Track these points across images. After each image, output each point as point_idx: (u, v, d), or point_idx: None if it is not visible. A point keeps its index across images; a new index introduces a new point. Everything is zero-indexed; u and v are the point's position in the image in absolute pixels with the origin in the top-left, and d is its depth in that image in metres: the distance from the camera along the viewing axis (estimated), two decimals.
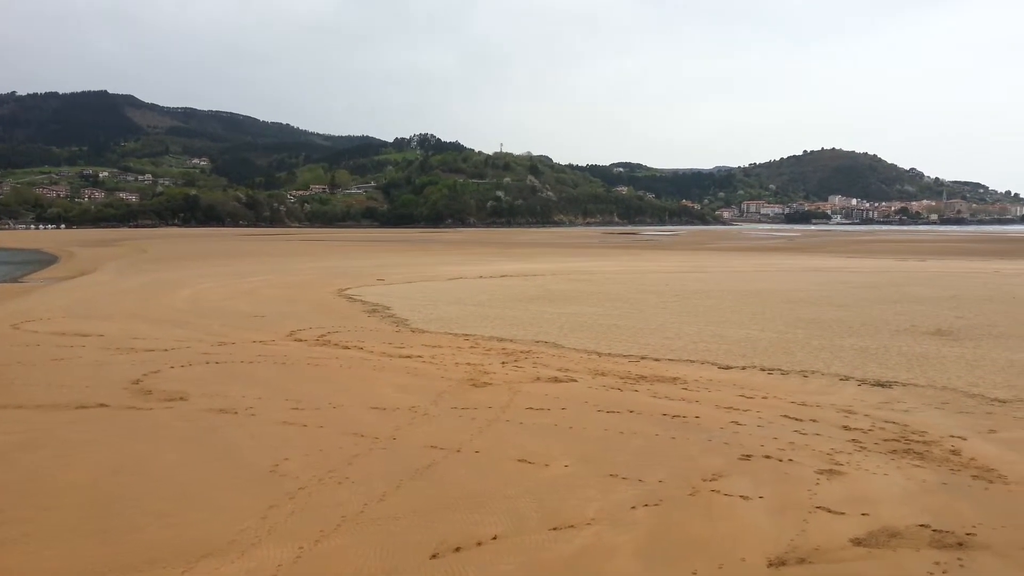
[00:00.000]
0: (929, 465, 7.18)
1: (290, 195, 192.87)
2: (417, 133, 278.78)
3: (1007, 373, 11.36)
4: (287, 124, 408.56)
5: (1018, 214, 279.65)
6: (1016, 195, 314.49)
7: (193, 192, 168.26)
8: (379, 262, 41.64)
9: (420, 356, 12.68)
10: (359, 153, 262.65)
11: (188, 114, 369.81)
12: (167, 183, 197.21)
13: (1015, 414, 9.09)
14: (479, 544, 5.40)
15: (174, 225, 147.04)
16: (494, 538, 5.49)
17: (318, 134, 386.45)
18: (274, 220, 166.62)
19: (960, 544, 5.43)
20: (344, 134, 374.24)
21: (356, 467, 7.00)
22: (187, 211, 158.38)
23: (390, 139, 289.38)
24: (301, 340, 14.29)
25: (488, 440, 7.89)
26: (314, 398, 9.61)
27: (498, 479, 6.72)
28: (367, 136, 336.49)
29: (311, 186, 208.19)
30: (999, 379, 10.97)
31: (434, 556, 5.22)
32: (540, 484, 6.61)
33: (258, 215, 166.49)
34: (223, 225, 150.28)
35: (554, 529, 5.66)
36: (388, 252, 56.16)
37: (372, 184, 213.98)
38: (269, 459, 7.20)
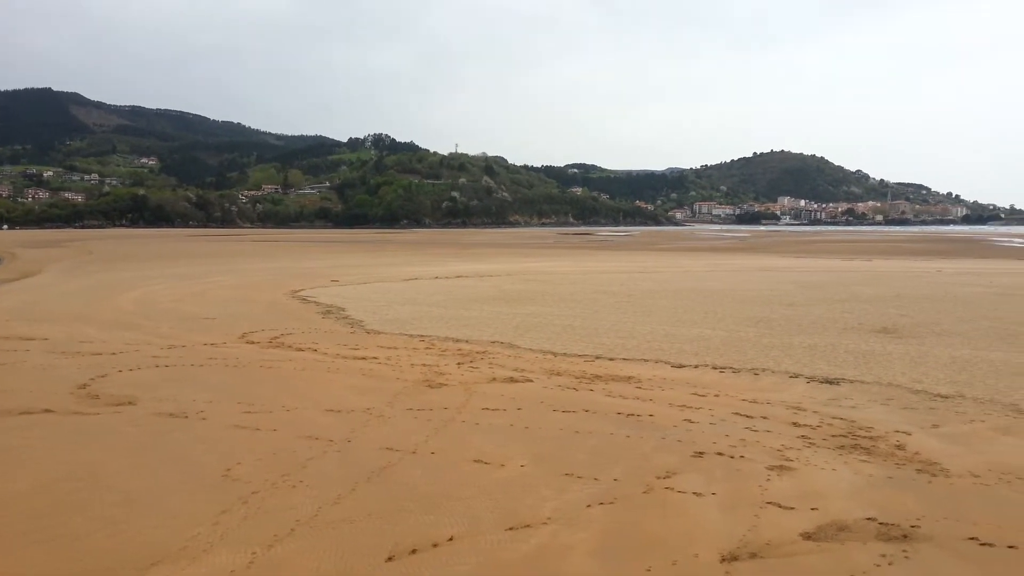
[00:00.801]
0: (875, 460, 7.37)
1: (242, 195, 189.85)
2: (372, 133, 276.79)
3: (949, 369, 11.71)
4: (239, 123, 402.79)
5: (959, 215, 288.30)
6: (957, 196, 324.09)
7: (141, 192, 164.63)
8: (333, 263, 41.25)
9: (375, 357, 12.60)
10: (312, 153, 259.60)
11: (136, 112, 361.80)
12: (114, 183, 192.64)
13: (957, 409, 9.38)
14: (435, 545, 5.39)
15: (122, 226, 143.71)
16: (450, 539, 5.49)
17: (271, 133, 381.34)
18: (225, 221, 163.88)
19: (905, 536, 5.58)
20: (297, 133, 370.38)
21: (310, 470, 6.93)
22: (135, 211, 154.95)
23: (344, 139, 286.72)
24: (253, 342, 14.09)
25: (444, 441, 7.87)
26: (267, 401, 9.48)
27: (454, 480, 6.72)
28: (321, 136, 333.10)
29: (263, 186, 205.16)
30: (941, 375, 11.30)
31: (390, 559, 5.20)
32: (496, 484, 6.62)
33: (209, 215, 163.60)
34: (173, 226, 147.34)
35: (510, 529, 5.68)
36: (342, 253, 55.65)
37: (326, 184, 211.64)
38: (221, 464, 7.09)
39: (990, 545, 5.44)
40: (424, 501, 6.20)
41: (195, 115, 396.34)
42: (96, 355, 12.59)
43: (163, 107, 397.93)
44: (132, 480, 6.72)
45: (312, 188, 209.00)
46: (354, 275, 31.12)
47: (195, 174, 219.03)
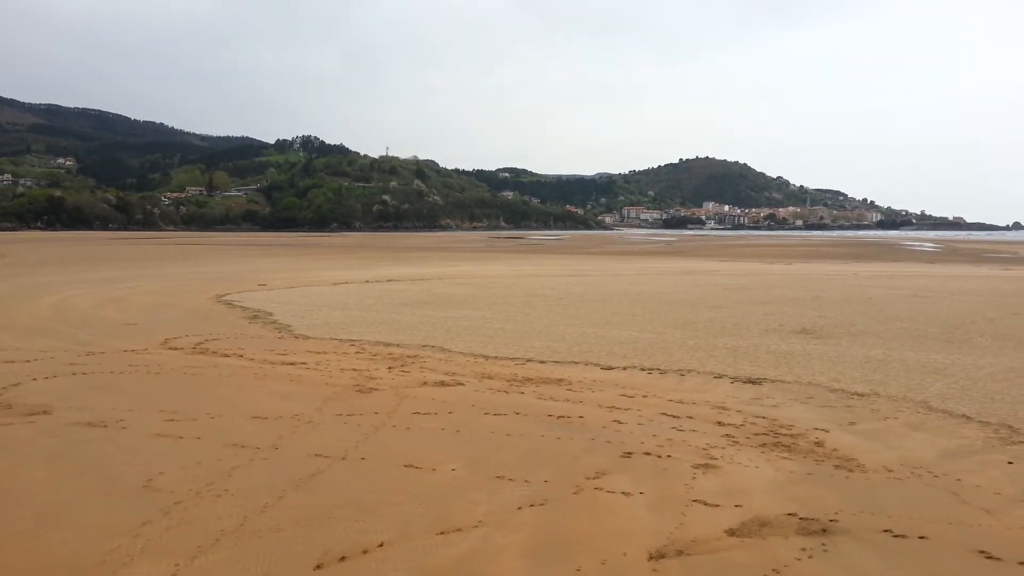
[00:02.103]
0: (796, 457, 7.61)
1: (165, 197, 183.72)
2: (300, 135, 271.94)
3: (864, 368, 12.19)
4: (161, 123, 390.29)
5: (874, 220, 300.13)
6: (872, 203, 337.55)
7: (58, 194, 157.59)
8: (261, 267, 40.41)
9: (304, 363, 12.40)
10: (239, 154, 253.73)
11: (52, 111, 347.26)
12: (29, 184, 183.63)
13: (872, 406, 9.78)
14: (365, 552, 5.34)
15: (37, 228, 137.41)
16: (380, 545, 5.45)
17: (195, 134, 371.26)
18: (147, 223, 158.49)
19: (824, 530, 5.78)
20: (223, 134, 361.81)
21: (236, 479, 6.78)
22: (51, 213, 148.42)
23: (272, 140, 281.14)
24: (176, 348, 13.69)
25: (374, 446, 7.81)
26: (190, 409, 9.23)
27: (385, 485, 6.66)
28: (247, 137, 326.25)
29: (187, 188, 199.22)
30: (857, 374, 11.76)
31: (318, 567, 5.13)
32: (427, 489, 6.60)
33: (130, 218, 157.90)
34: (91, 228, 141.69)
35: (441, 533, 5.67)
36: (270, 256, 54.56)
37: (253, 186, 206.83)
38: (142, 474, 6.87)
39: (903, 536, 5.68)
40: (354, 508, 6.13)
41: (115, 114, 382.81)
42: (8, 363, 12.05)
43: (81, 106, 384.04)
44: (46, 493, 6.45)
45: (239, 190, 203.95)
46: (282, 279, 30.55)
47: (115, 175, 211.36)
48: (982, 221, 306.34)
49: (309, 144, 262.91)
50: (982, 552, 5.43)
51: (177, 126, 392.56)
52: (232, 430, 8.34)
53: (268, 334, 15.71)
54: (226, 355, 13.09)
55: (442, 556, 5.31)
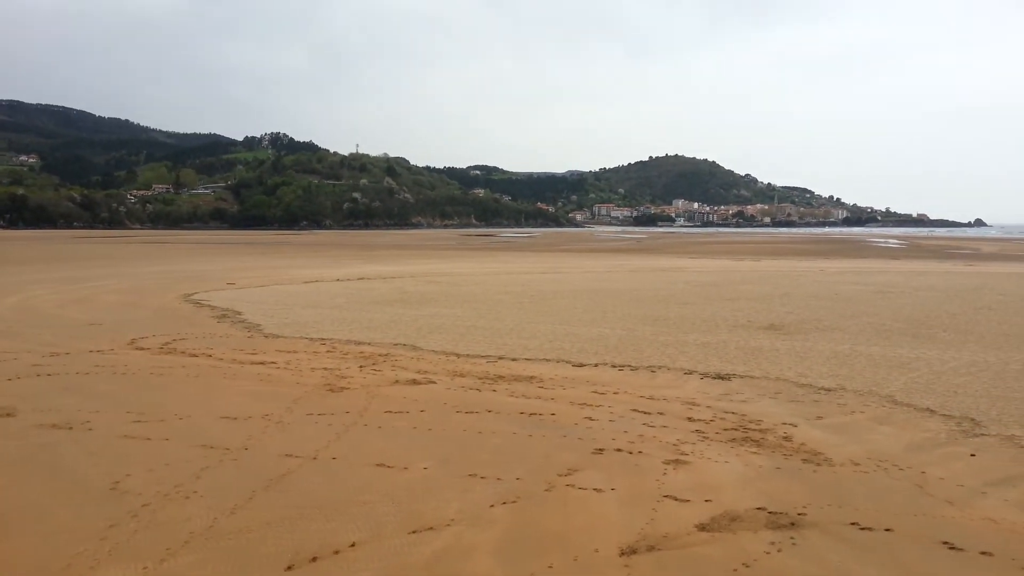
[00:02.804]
0: (764, 451, 7.71)
1: (131, 195, 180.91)
2: (269, 132, 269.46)
3: (831, 364, 12.36)
4: (127, 120, 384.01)
5: (840, 217, 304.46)
6: (838, 200, 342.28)
7: (20, 191, 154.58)
8: (229, 265, 39.97)
9: (274, 362, 12.29)
10: (206, 152, 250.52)
11: (14, 107, 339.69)
12: None
13: (838, 401, 9.93)
14: (336, 552, 5.32)
15: None
16: (352, 545, 5.42)
17: (162, 131, 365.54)
18: (113, 222, 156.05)
19: (792, 524, 5.86)
20: (190, 131, 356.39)
21: (205, 480, 6.71)
22: (13, 212, 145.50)
23: (240, 138, 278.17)
24: (143, 348, 13.51)
25: (345, 446, 7.77)
26: (158, 409, 9.11)
27: (356, 485, 6.63)
28: (215, 134, 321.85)
29: (154, 186, 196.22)
30: (824, 369, 11.92)
31: (289, 568, 5.10)
32: (399, 488, 6.58)
33: (95, 216, 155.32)
34: (55, 227, 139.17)
35: (413, 532, 5.65)
36: (239, 255, 53.98)
37: (221, 184, 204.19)
38: (109, 476, 6.77)
39: (869, 529, 5.78)
40: (325, 507, 6.10)
41: (80, 111, 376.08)
42: None
43: (45, 102, 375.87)
44: (10, 496, 6.34)
45: (206, 188, 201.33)
46: (251, 278, 30.25)
47: (80, 173, 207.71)
48: (945, 218, 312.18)
49: (278, 141, 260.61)
50: (946, 543, 5.54)
51: (143, 123, 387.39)
52: (201, 431, 8.25)
53: (237, 333, 15.55)
54: (194, 355, 12.94)
55: (414, 555, 5.30)
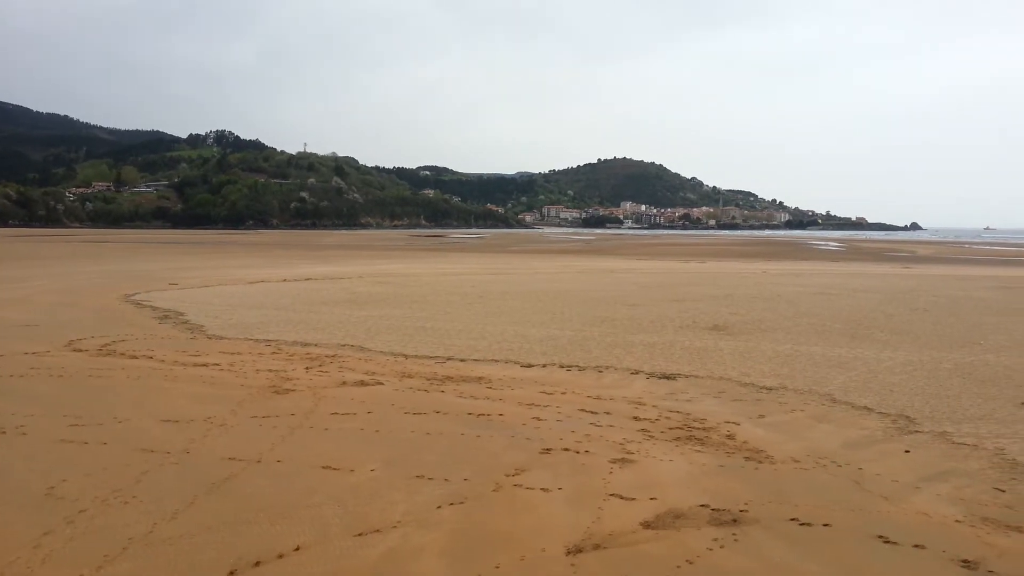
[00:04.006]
0: (708, 450, 7.84)
1: (69, 193, 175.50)
2: (214, 130, 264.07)
3: (773, 363, 12.64)
4: (66, 116, 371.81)
5: (782, 220, 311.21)
6: (781, 203, 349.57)
7: None
8: (172, 265, 39.09)
9: (217, 364, 12.06)
10: (149, 149, 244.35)
11: None
12: None
13: (779, 400, 10.15)
14: (280, 556, 5.25)
15: None
16: (296, 549, 5.36)
17: (102, 127, 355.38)
18: (51, 220, 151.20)
19: (735, 520, 5.98)
20: (132, 128, 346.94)
21: (144, 485, 6.55)
22: None
23: (184, 135, 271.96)
24: (81, 350, 13.13)
25: (291, 448, 7.67)
26: (97, 413, 8.87)
27: (301, 488, 6.56)
28: (158, 131, 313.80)
29: (94, 183, 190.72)
30: (766, 369, 12.18)
31: (232, 573, 5.01)
32: (345, 490, 6.52)
33: (32, 214, 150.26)
34: None
35: (359, 535, 5.61)
36: (182, 255, 52.83)
37: (164, 182, 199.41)
38: (44, 481, 6.57)
39: (808, 524, 5.93)
40: (269, 511, 6.02)
41: (16, 106, 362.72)
42: None
43: None
44: None
45: (149, 186, 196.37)
46: (195, 278, 29.64)
47: (16, 169, 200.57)
48: (882, 221, 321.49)
49: (223, 139, 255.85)
50: (881, 537, 5.71)
51: (83, 119, 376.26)
52: (141, 434, 8.06)
53: (179, 335, 15.22)
54: (134, 357, 12.63)
55: (360, 558, 5.27)
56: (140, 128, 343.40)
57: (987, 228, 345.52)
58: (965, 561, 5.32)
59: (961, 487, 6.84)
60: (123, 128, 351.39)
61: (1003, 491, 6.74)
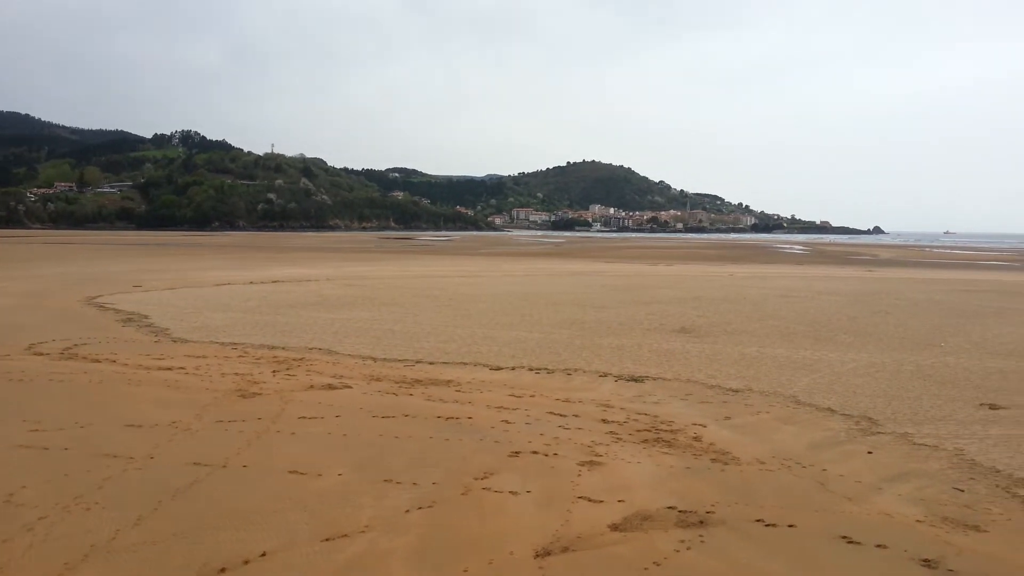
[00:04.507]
0: (675, 452, 7.91)
1: (31, 193, 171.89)
2: (180, 130, 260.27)
3: (739, 365, 12.77)
4: (27, 115, 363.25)
5: (748, 224, 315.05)
6: (747, 207, 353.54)
7: None
8: (136, 267, 38.50)
9: (182, 367, 11.91)
10: (113, 149, 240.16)
11: None
12: None
13: (745, 402, 10.27)
14: (246, 562, 5.19)
15: None
16: (263, 555, 5.31)
17: (64, 127, 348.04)
18: (11, 221, 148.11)
19: (701, 522, 6.04)
20: (95, 128, 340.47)
21: (107, 491, 6.45)
22: None
23: (149, 135, 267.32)
24: (42, 354, 12.88)
25: (257, 453, 7.59)
26: (58, 418, 8.70)
27: (268, 493, 6.49)
28: (122, 131, 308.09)
29: (56, 184, 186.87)
30: (732, 371, 12.31)
31: None
32: (312, 495, 6.47)
33: None
34: None
35: (326, 540, 5.57)
36: (147, 256, 52.05)
37: (128, 183, 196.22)
38: (2, 488, 6.42)
39: (774, 525, 6.00)
40: (235, 517, 5.95)
41: None
42: None
43: None
44: None
45: (112, 187, 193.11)
46: (160, 280, 29.22)
47: None
48: (846, 225, 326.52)
49: (189, 139, 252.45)
50: (844, 537, 5.80)
51: (45, 118, 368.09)
52: (104, 440, 7.92)
53: (143, 338, 15.00)
54: (97, 360, 12.42)
55: (327, 563, 5.23)
56: (104, 127, 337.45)
57: (947, 232, 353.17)
58: (926, 560, 5.42)
59: (922, 487, 6.98)
60: (86, 127, 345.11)
61: (962, 491, 6.88)
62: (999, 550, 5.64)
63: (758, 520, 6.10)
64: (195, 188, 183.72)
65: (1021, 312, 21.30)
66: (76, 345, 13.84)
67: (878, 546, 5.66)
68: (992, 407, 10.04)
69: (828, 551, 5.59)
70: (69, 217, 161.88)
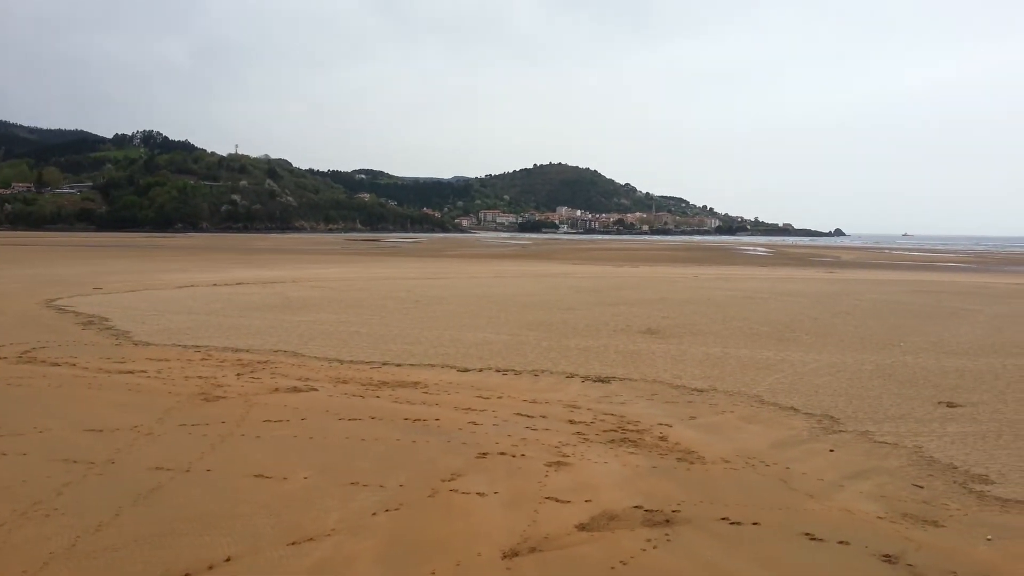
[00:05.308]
0: (642, 451, 7.97)
1: None
2: (141, 130, 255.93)
3: (704, 366, 12.90)
4: None
5: (713, 226, 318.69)
6: (711, 209, 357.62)
7: None
8: (97, 269, 37.80)
9: (144, 371, 11.72)
10: (72, 149, 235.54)
11: None
12: None
13: (710, 402, 10.38)
14: (210, 568, 5.13)
15: None
16: (227, 560, 5.25)
17: (22, 126, 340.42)
18: None
19: (667, 521, 6.09)
20: (54, 127, 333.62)
21: (67, 497, 6.33)
22: None
23: (109, 135, 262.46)
24: (0, 358, 12.60)
25: (221, 457, 7.50)
26: (15, 423, 8.52)
27: (232, 497, 6.42)
28: (82, 131, 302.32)
29: (13, 184, 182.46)
30: (697, 371, 12.43)
31: None
32: (278, 498, 6.41)
33: None
34: None
35: (292, 544, 5.52)
36: (108, 258, 51.12)
37: (88, 184, 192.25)
38: None
39: (738, 523, 6.08)
40: (199, 522, 5.87)
41: None
42: None
43: None
44: None
45: (72, 188, 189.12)
46: (121, 282, 28.72)
47: None
48: (808, 227, 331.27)
49: (151, 140, 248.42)
50: (807, 534, 5.89)
51: (2, 117, 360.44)
52: (63, 445, 7.78)
53: (104, 341, 14.73)
54: (56, 364, 12.18)
55: (293, 567, 5.18)
56: (63, 127, 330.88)
57: (905, 234, 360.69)
58: (886, 555, 5.53)
59: (882, 484, 7.11)
60: (45, 127, 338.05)
61: (921, 487, 7.03)
62: (956, 544, 5.77)
63: (723, 518, 6.16)
64: (157, 189, 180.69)
65: (976, 312, 21.80)
66: (35, 348, 13.55)
67: (840, 543, 5.75)
68: (949, 405, 10.26)
69: (791, 548, 5.67)
70: (27, 218, 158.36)
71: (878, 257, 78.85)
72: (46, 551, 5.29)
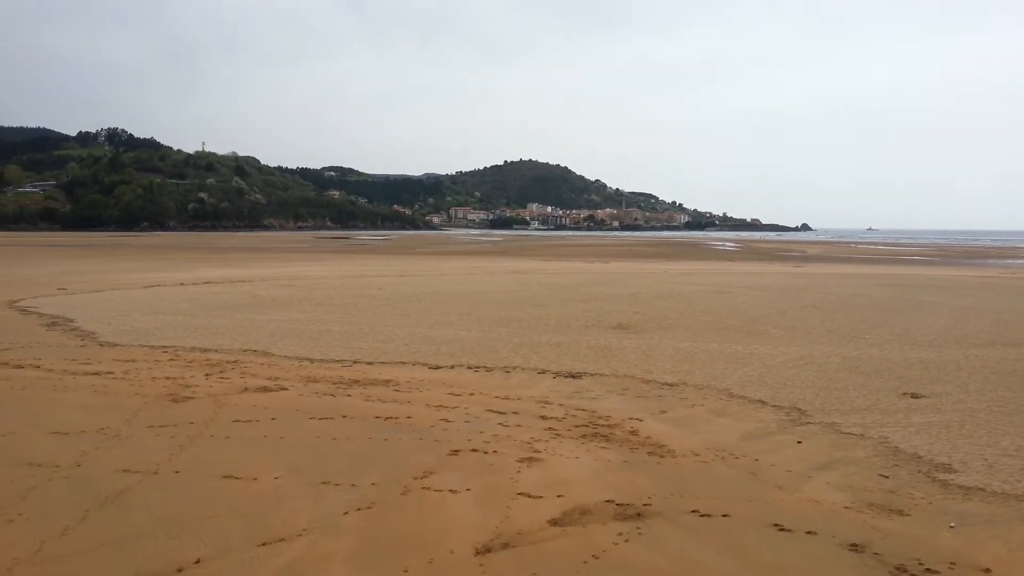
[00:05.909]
0: (613, 446, 8.02)
1: None
2: (106, 127, 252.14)
3: (674, 360, 13.01)
4: None
5: (682, 222, 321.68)
6: (680, 205, 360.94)
7: None
8: (61, 269, 37.14)
9: (110, 372, 11.54)
10: (35, 147, 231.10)
11: None
12: None
13: (680, 396, 10.47)
14: (180, 571, 5.07)
15: None
16: (197, 562, 5.19)
17: None
18: None
19: (639, 515, 6.13)
20: (16, 125, 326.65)
21: (31, 501, 6.22)
22: None
23: (73, 132, 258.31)
24: None
25: (190, 458, 7.42)
26: None
27: (201, 499, 6.35)
28: (44, 128, 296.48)
29: None
30: (667, 366, 12.53)
31: None
32: (248, 499, 6.36)
33: None
34: None
35: (263, 544, 5.48)
36: (72, 258, 50.25)
37: (52, 182, 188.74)
38: None
39: (708, 516, 6.14)
40: (167, 524, 5.81)
41: None
42: None
43: None
44: None
45: (35, 186, 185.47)
46: (86, 282, 28.25)
47: None
48: (775, 223, 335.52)
49: (116, 137, 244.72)
50: (776, 525, 5.97)
51: None
52: (27, 448, 7.64)
53: (69, 342, 14.49)
54: (19, 366, 11.96)
55: (264, 568, 5.15)
56: (25, 125, 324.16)
57: (870, 228, 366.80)
58: (853, 545, 5.62)
59: (849, 475, 7.23)
60: (6, 125, 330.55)
61: (887, 477, 7.15)
62: (921, 532, 5.88)
63: (693, 511, 6.23)
64: (122, 187, 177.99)
65: (939, 305, 22.21)
66: None
67: (808, 532, 5.84)
68: (914, 396, 10.45)
69: (761, 539, 5.74)
70: None
71: (844, 251, 79.99)
72: (10, 557, 5.20)
